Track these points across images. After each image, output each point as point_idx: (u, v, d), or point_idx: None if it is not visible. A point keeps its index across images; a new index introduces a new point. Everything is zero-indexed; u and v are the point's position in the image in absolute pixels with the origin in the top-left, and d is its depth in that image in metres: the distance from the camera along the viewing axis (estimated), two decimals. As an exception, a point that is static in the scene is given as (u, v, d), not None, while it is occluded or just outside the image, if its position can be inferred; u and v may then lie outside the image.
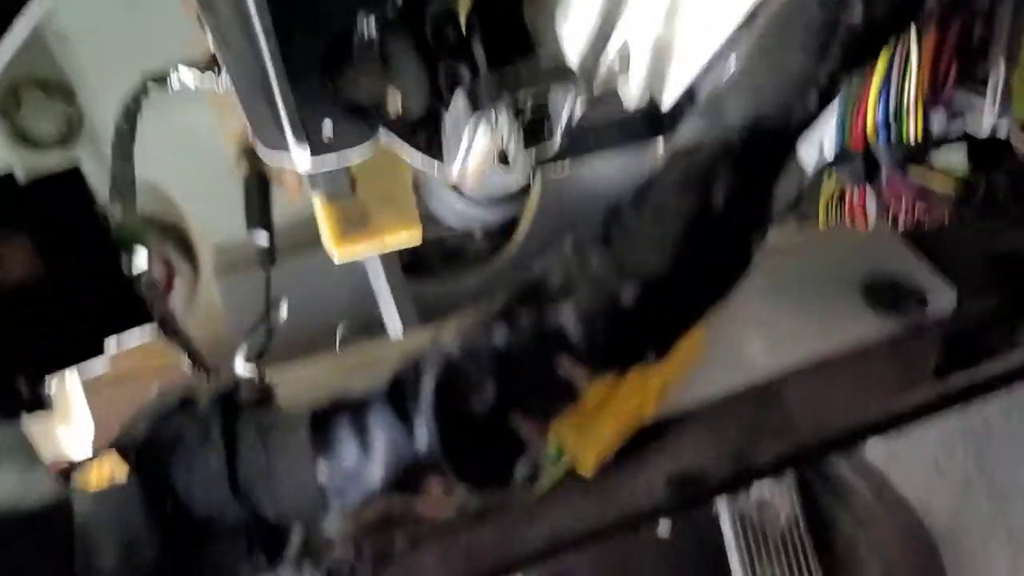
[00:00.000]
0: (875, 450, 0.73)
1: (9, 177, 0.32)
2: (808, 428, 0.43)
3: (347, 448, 0.28)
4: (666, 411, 0.43)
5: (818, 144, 0.55)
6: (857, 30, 0.34)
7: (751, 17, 0.49)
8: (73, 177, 0.32)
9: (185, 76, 0.56)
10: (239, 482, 0.31)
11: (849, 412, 0.44)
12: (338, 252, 0.62)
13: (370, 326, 0.98)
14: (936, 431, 0.65)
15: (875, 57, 0.37)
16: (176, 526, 0.39)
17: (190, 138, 0.95)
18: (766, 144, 0.32)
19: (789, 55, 0.33)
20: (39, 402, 0.35)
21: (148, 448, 0.34)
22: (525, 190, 0.97)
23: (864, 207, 0.62)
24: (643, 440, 0.42)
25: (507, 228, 1.03)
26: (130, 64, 0.65)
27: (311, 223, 0.96)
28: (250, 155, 0.91)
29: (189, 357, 0.46)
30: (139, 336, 0.39)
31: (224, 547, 0.36)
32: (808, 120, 0.33)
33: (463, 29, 0.55)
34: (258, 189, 0.88)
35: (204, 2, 0.50)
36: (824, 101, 0.34)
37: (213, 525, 0.35)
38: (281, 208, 0.94)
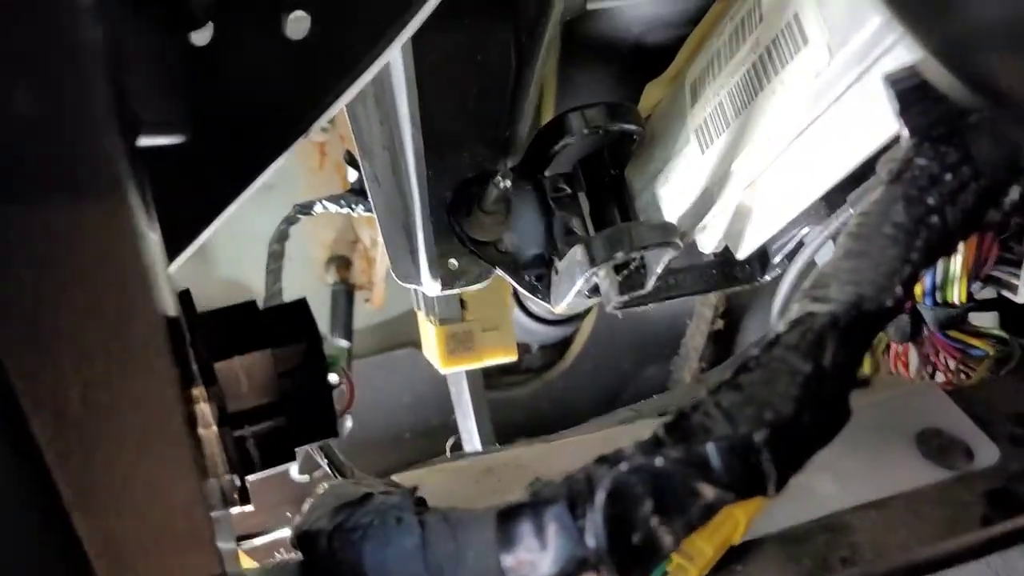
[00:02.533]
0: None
1: (252, 304, 0.40)
2: (872, 560, 0.49)
3: (527, 542, 0.35)
4: (749, 536, 0.49)
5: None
6: (936, 231, 0.42)
7: (832, 200, 0.58)
8: (301, 305, 0.40)
9: (328, 206, 0.65)
10: (429, 563, 0.37)
11: (907, 549, 0.49)
12: (443, 367, 0.69)
13: (434, 428, 1.04)
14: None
15: (949, 254, 0.44)
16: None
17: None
18: (865, 322, 0.40)
19: (882, 249, 0.42)
20: (244, 497, 0.41)
21: (340, 531, 0.40)
22: (583, 314, 1.06)
23: (907, 361, 0.70)
24: (731, 560, 0.48)
25: (560, 344, 1.11)
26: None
27: (385, 329, 1.04)
28: (339, 264, 1.00)
29: (334, 469, 0.52)
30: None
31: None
32: (898, 303, 0.41)
33: (581, 182, 0.64)
34: (345, 298, 0.96)
35: (365, 150, 0.59)
36: (909, 288, 0.42)
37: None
38: (361, 314, 1.02)
